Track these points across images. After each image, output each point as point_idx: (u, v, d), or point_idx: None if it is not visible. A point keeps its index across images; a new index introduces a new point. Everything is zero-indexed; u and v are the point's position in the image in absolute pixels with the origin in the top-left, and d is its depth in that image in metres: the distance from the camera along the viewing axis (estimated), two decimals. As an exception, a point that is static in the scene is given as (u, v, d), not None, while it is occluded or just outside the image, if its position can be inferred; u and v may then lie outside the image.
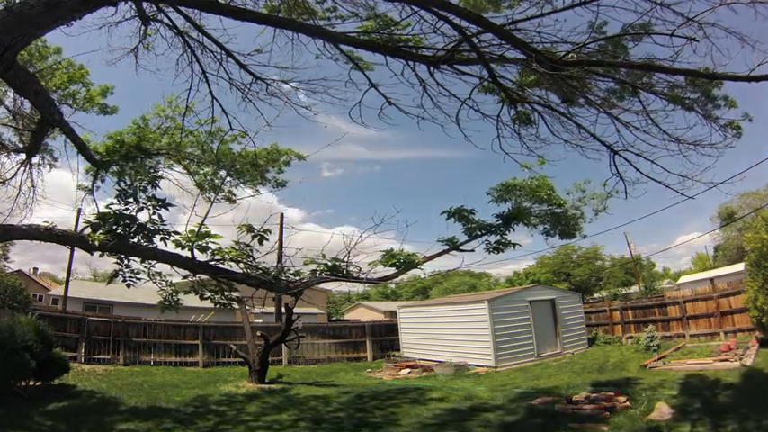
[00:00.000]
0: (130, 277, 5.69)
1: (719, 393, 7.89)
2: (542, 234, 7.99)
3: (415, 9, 5.06)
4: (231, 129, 7.56)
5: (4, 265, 30.05)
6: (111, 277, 5.83)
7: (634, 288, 35.92)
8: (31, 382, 9.24)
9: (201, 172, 10.77)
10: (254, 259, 5.55)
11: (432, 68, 5.67)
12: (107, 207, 4.98)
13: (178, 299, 6.49)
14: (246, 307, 13.38)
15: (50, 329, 9.90)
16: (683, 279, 35.37)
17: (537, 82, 5.92)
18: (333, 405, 9.26)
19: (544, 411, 7.64)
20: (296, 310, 13.10)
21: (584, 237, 8.72)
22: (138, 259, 5.49)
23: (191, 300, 6.99)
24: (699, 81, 5.24)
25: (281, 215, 15.52)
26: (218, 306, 6.64)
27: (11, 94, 8.34)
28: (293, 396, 10.54)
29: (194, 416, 8.17)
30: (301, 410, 8.73)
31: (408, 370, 15.13)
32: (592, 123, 6.15)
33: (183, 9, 5.47)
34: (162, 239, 5.15)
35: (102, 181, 9.60)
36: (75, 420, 7.41)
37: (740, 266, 21.03)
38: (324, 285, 9.61)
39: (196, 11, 5.52)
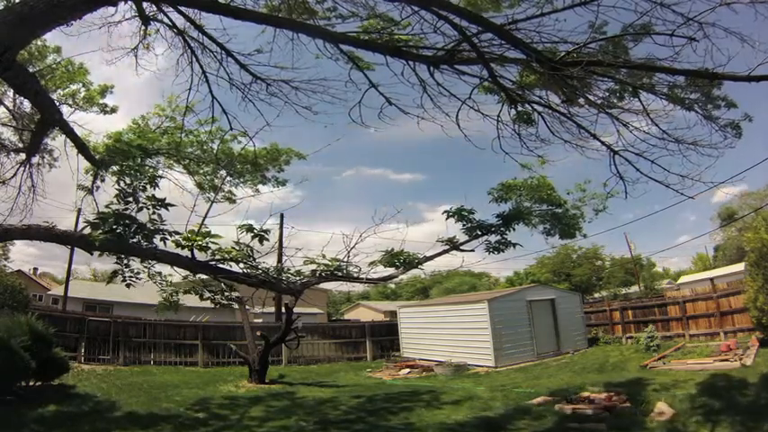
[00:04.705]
0: (130, 277, 5.70)
1: (727, 393, 7.85)
2: (542, 234, 7.96)
3: (415, 9, 5.05)
4: (231, 128, 7.55)
5: (5, 265, 30.00)
6: (111, 277, 5.84)
7: (634, 288, 35.94)
8: (31, 383, 9.22)
9: (201, 171, 10.74)
10: (254, 259, 5.56)
11: (432, 68, 5.66)
12: (107, 207, 4.98)
13: (178, 299, 6.50)
14: (246, 307, 13.39)
15: (50, 329, 9.86)
16: (683, 279, 35.39)
17: (537, 82, 5.91)
18: (339, 408, 9.11)
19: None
20: (296, 309, 13.09)
21: (585, 236, 8.71)
22: (137, 259, 5.50)
23: (190, 300, 6.99)
24: (699, 81, 5.23)
25: (281, 215, 15.47)
26: (217, 306, 6.65)
27: (11, 93, 8.34)
28: (296, 398, 10.47)
29: (196, 421, 7.99)
30: (306, 413, 8.60)
31: (408, 370, 15.13)
32: (592, 123, 6.16)
33: (182, 9, 5.47)
34: (162, 239, 5.15)
35: (102, 181, 9.59)
36: (74, 425, 7.31)
37: (740, 266, 21.00)
38: (324, 285, 9.60)
39: (196, 11, 5.51)
